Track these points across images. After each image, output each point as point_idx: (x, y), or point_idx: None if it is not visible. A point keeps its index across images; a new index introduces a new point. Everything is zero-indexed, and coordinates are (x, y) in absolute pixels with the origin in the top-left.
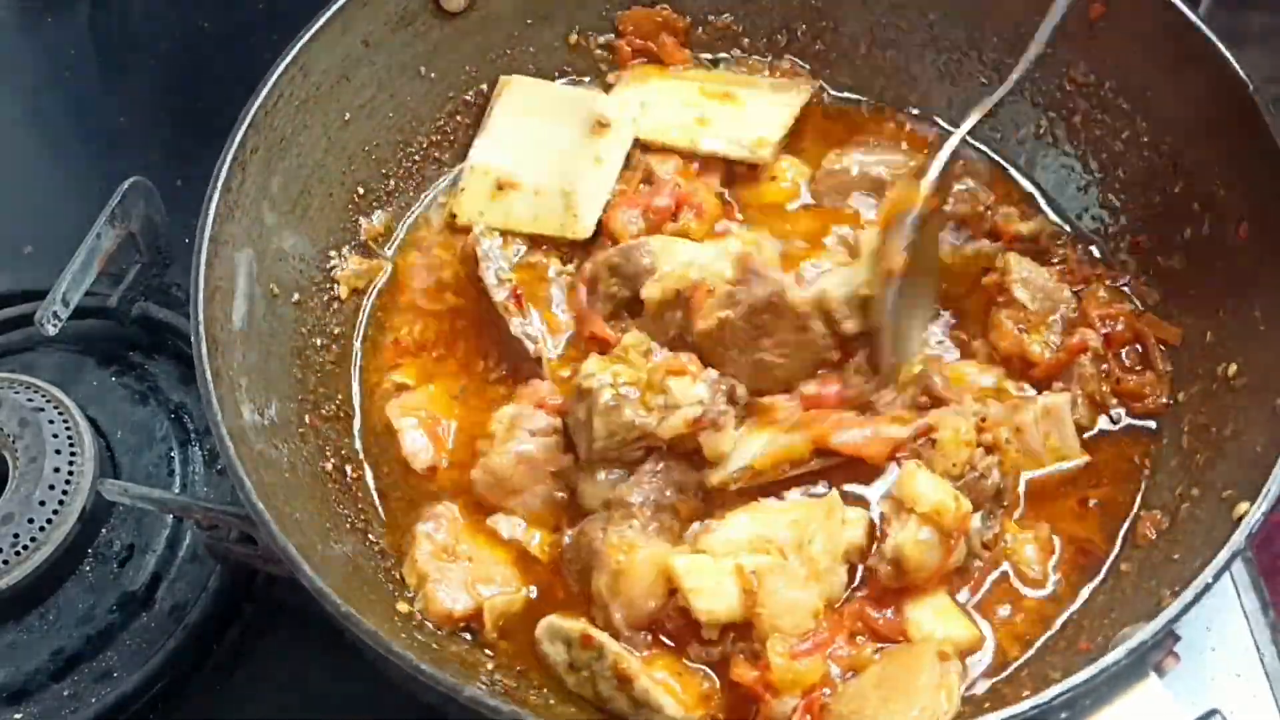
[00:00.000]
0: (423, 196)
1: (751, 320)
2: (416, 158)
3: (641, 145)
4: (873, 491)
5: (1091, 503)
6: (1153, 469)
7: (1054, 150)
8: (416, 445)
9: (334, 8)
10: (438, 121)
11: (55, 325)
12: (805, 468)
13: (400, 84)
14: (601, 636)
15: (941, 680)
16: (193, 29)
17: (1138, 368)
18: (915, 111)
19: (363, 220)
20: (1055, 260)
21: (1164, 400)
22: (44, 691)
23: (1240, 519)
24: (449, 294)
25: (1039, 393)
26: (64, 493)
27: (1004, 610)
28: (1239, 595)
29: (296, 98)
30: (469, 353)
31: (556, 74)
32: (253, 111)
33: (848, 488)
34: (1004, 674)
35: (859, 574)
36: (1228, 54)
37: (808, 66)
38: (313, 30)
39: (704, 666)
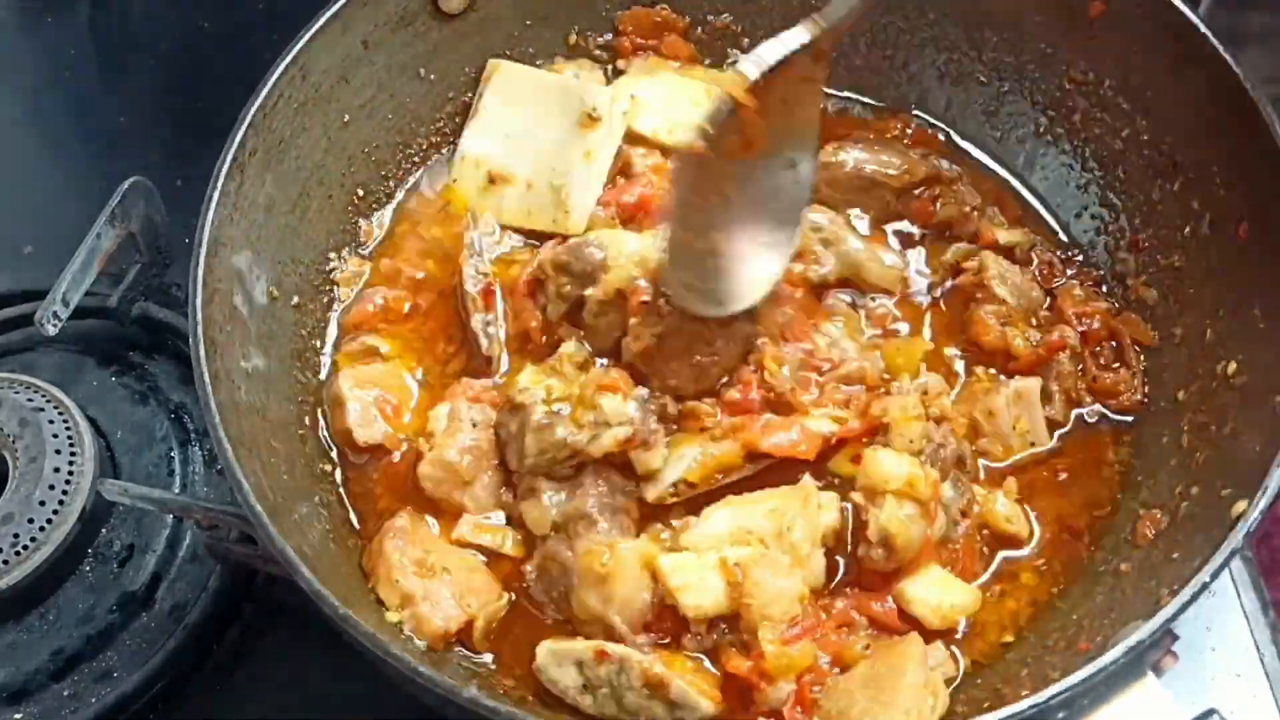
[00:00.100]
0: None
1: (681, 331)
2: (416, 159)
3: (631, 136)
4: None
5: (1062, 476)
6: (1136, 465)
7: (1053, 149)
8: (362, 418)
9: (334, 8)
10: (437, 123)
11: (55, 325)
12: (739, 474)
13: (400, 85)
14: (619, 649)
15: (928, 680)
16: (193, 29)
17: (1114, 365)
18: (916, 112)
19: (362, 222)
20: (1027, 263)
21: (1138, 397)
22: (44, 691)
23: (1239, 518)
24: (430, 262)
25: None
26: (64, 493)
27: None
28: (1239, 595)
29: (296, 99)
30: (434, 331)
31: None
32: (252, 112)
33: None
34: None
35: (845, 567)
36: (1227, 54)
37: None
38: (312, 30)
39: (702, 655)
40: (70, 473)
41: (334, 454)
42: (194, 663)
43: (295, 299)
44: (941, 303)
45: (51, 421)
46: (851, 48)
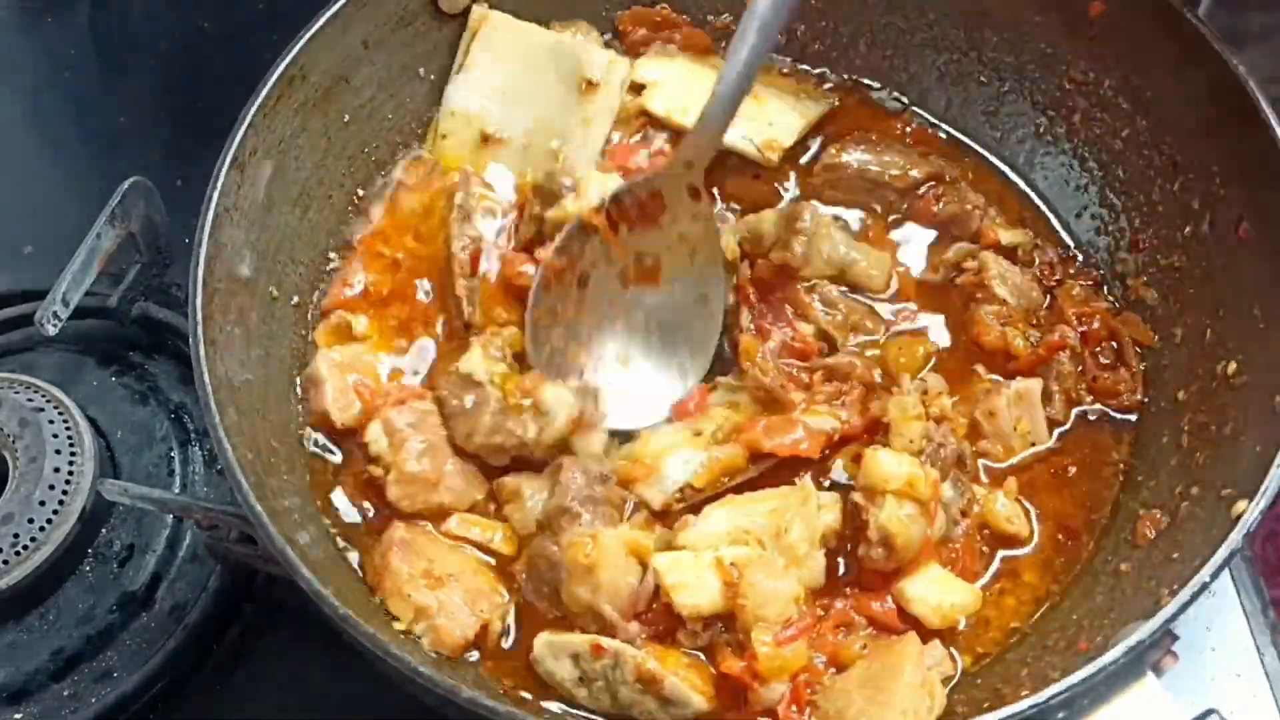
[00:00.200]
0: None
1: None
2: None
3: (650, 117)
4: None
5: (1061, 476)
6: (1136, 465)
7: (1053, 149)
8: (339, 400)
9: (334, 8)
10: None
11: (55, 325)
12: (744, 476)
13: (400, 85)
14: (614, 644)
15: (925, 680)
16: (193, 29)
17: (1114, 365)
18: (916, 108)
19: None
20: (1029, 264)
21: (1138, 397)
22: (44, 691)
23: (1239, 518)
24: (409, 238)
25: None
26: (64, 493)
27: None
28: (1239, 595)
29: (296, 99)
30: (411, 316)
31: None
32: (252, 112)
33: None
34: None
35: (846, 567)
36: (1227, 54)
37: (807, 67)
38: (312, 30)
39: (697, 652)
40: (70, 473)
41: (335, 457)
42: (194, 663)
43: (295, 299)
44: (942, 302)
45: (51, 421)
46: (852, 47)
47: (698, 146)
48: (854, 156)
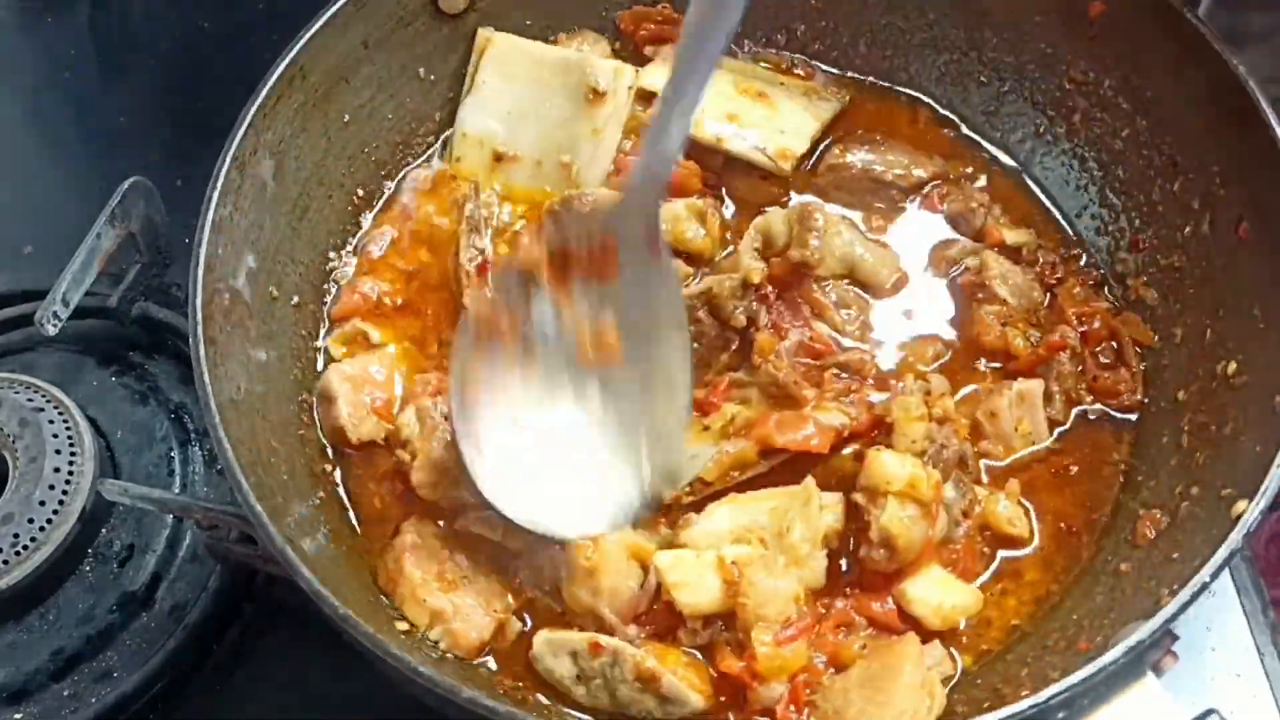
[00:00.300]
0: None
1: None
2: (415, 159)
3: None
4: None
5: (1061, 475)
6: (1136, 465)
7: (1053, 149)
8: (354, 416)
9: (334, 8)
10: (437, 123)
11: (55, 325)
12: (754, 470)
13: (400, 85)
14: (613, 642)
15: (925, 680)
16: (193, 29)
17: (1114, 365)
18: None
19: (362, 221)
20: (1032, 263)
21: (1138, 397)
22: (44, 691)
23: (1239, 518)
24: (423, 251)
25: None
26: (64, 493)
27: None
28: (1239, 595)
29: (296, 99)
30: (425, 330)
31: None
32: (252, 112)
33: None
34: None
35: (847, 567)
36: (1227, 54)
37: (818, 64)
38: (312, 30)
39: (696, 651)
40: (70, 473)
41: (332, 453)
42: (194, 663)
43: (295, 299)
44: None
45: (51, 421)
46: (852, 47)
47: (643, 192)
48: (858, 156)
